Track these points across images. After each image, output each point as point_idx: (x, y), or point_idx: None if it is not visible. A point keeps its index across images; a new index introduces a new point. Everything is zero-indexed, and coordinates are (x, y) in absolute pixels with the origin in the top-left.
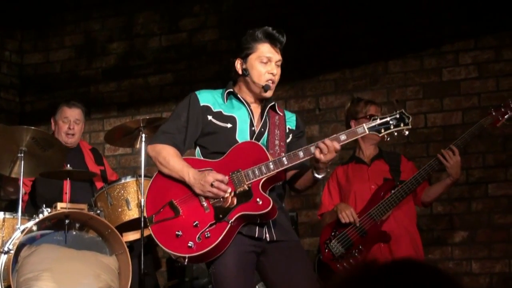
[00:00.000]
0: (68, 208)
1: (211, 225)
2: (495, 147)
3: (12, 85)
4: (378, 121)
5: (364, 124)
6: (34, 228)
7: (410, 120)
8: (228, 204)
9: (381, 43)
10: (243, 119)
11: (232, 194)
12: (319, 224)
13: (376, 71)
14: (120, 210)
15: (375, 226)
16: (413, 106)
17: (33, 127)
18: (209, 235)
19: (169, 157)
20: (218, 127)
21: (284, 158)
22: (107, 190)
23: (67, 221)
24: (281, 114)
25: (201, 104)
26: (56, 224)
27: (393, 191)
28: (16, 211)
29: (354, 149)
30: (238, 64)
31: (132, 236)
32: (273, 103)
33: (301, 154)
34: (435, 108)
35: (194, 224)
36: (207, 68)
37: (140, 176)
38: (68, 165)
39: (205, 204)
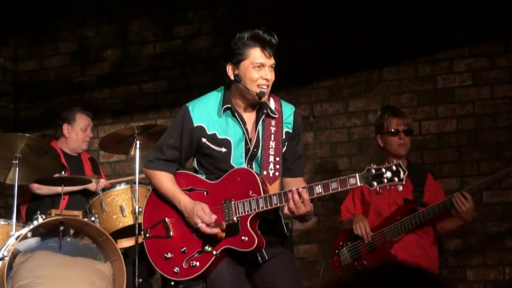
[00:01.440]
0: (63, 215)
1: (197, 252)
2: (489, 154)
3: (6, 92)
4: (373, 172)
5: (357, 175)
6: (29, 234)
7: (405, 175)
8: (216, 235)
9: (375, 50)
10: (238, 140)
11: (223, 226)
12: (313, 231)
13: (371, 79)
14: (114, 217)
15: (384, 246)
16: (408, 113)
17: (27, 134)
18: (194, 263)
19: (162, 183)
20: (212, 150)
21: (274, 197)
22: (102, 197)
23: (61, 228)
24: (278, 115)
25: (195, 125)
26: (50, 230)
27: (410, 216)
28: (10, 217)
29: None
30: (229, 70)
31: (127, 242)
32: (266, 111)
33: (289, 195)
34: (429, 116)
35: (182, 249)
36: (202, 75)
37: (135, 183)
38: (63, 172)
39: (195, 231)
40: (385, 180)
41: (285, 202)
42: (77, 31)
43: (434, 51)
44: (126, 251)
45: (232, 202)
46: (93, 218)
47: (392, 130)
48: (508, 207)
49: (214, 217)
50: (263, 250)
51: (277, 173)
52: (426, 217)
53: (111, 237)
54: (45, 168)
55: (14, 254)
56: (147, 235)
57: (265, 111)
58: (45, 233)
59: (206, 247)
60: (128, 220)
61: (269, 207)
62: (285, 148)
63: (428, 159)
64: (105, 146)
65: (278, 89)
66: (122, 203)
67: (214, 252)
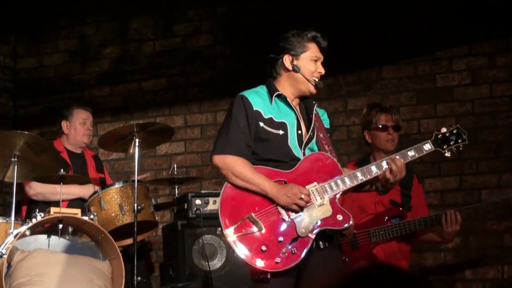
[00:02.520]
0: (62, 213)
1: (294, 240)
2: (488, 153)
3: (5, 89)
4: (440, 137)
5: (429, 141)
6: (27, 232)
7: (466, 135)
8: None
9: (375, 49)
10: (292, 123)
11: (311, 208)
12: None
13: (370, 77)
14: (113, 215)
15: (368, 246)
16: (407, 112)
17: (26, 132)
18: (295, 250)
19: (246, 171)
20: (270, 134)
21: (358, 173)
22: (101, 195)
23: (60, 226)
24: (317, 113)
25: (254, 109)
26: (49, 228)
27: (399, 221)
28: (9, 215)
29: (366, 154)
30: (287, 61)
31: (126, 241)
32: (315, 103)
33: (374, 169)
34: (428, 114)
35: (278, 240)
36: (201, 73)
37: (134, 181)
38: (62, 170)
39: (286, 218)
40: (452, 143)
41: (369, 176)
42: (77, 28)
43: (434, 50)
44: (125, 249)
45: (318, 185)
46: (92, 216)
47: (381, 125)
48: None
49: (307, 190)
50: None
51: (335, 159)
52: (417, 227)
53: (109, 235)
54: (44, 166)
55: (13, 252)
56: (233, 234)
57: (315, 103)
58: (44, 231)
59: (302, 231)
60: (127, 218)
61: (355, 183)
62: None
63: (427, 158)
64: (104, 144)
65: None
66: (121, 201)
67: (312, 236)
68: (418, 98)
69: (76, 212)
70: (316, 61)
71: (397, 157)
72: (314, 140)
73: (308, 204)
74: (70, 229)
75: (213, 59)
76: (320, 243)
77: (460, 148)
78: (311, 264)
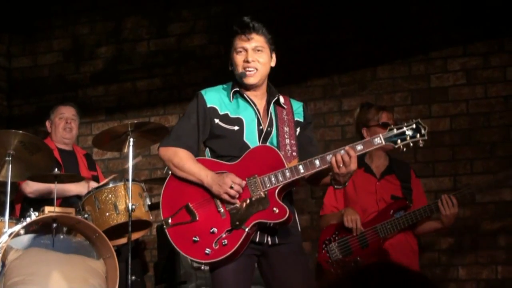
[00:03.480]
0: (56, 212)
1: (227, 232)
2: (483, 153)
3: (0, 89)
4: (395, 132)
5: (380, 135)
6: (22, 231)
7: (426, 131)
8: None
9: (369, 49)
10: (250, 119)
11: (248, 201)
12: (306, 229)
13: (365, 77)
14: (107, 214)
15: (378, 242)
16: (401, 112)
17: (21, 131)
18: (226, 242)
19: (184, 161)
20: (225, 130)
21: (300, 166)
22: (95, 194)
23: (54, 225)
24: (288, 107)
25: (208, 106)
26: (43, 227)
27: (404, 213)
28: (3, 214)
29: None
30: (230, 62)
31: (120, 240)
32: (276, 97)
33: (317, 163)
34: (423, 114)
35: (211, 230)
36: (195, 73)
37: (128, 180)
38: (56, 169)
39: (221, 209)
40: (408, 138)
41: (311, 170)
42: (71, 28)
43: (428, 50)
44: (119, 249)
45: (257, 178)
46: (86, 215)
47: (382, 123)
48: (501, 206)
49: (243, 183)
50: (275, 233)
51: (294, 153)
52: (423, 215)
53: (104, 235)
54: (38, 165)
55: (7, 251)
56: (169, 223)
57: (276, 97)
58: (38, 230)
59: (237, 224)
60: (122, 218)
61: (295, 176)
62: (298, 133)
63: (422, 158)
64: (99, 143)
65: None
66: (115, 201)
67: (245, 228)
68: (413, 98)
69: (70, 211)
70: (241, 52)
71: (352, 148)
72: (273, 134)
73: (236, 196)
74: (65, 228)
75: (208, 59)
76: (269, 239)
77: (420, 144)
78: (271, 264)
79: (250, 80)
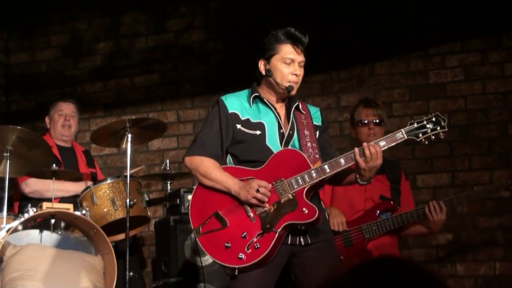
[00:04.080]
0: (54, 208)
1: (259, 235)
2: (481, 150)
3: None
4: (416, 125)
5: (402, 130)
6: (20, 227)
7: (445, 123)
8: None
9: (367, 45)
10: (271, 123)
11: (277, 204)
12: None
13: (363, 73)
14: (105, 210)
15: (362, 242)
16: (399, 108)
17: (19, 127)
18: (258, 245)
19: (211, 170)
20: (247, 135)
21: (326, 166)
22: (93, 190)
23: (52, 221)
24: (306, 112)
25: (230, 112)
26: (41, 223)
27: (391, 215)
28: (1, 210)
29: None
30: (261, 65)
31: (118, 236)
32: (297, 103)
33: (342, 161)
34: (421, 111)
35: (242, 235)
36: (194, 68)
37: (126, 176)
38: (54, 165)
39: (251, 214)
40: (429, 131)
41: (337, 169)
42: (69, 24)
43: (426, 46)
44: (117, 245)
45: (284, 180)
46: (84, 211)
47: (361, 120)
48: (499, 202)
49: (270, 186)
50: (307, 233)
51: (317, 156)
52: (410, 219)
53: (102, 231)
54: (36, 161)
55: (5, 247)
56: (200, 231)
57: (296, 103)
58: (36, 226)
59: (267, 227)
60: (120, 214)
61: (322, 176)
62: (317, 136)
63: (420, 154)
64: (97, 139)
65: None
66: (113, 197)
67: (276, 230)
68: (411, 94)
69: (68, 207)
70: (289, 63)
71: (377, 144)
72: (294, 137)
73: (266, 199)
74: (63, 224)
75: (206, 55)
76: (301, 240)
77: (441, 136)
78: (302, 264)
79: (293, 91)
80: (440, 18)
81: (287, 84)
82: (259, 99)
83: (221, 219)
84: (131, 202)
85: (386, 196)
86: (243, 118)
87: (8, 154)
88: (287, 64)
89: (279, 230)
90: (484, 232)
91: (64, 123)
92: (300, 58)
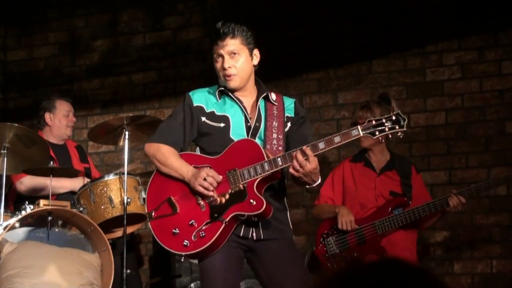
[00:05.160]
0: (51, 205)
1: (206, 224)
2: (478, 147)
3: None
4: (373, 123)
5: (359, 126)
6: (17, 224)
7: (405, 122)
8: (221, 203)
9: (365, 42)
10: (237, 116)
11: (227, 193)
12: (302, 223)
13: (360, 71)
14: (103, 207)
15: (375, 238)
16: (397, 106)
17: (16, 124)
18: (204, 234)
19: (166, 156)
20: (211, 128)
21: (278, 159)
22: (90, 187)
23: (49, 218)
24: (278, 103)
25: (195, 105)
26: (38, 221)
27: (403, 210)
28: None
29: (362, 149)
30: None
31: (115, 233)
32: (265, 93)
33: (293, 153)
34: (418, 108)
35: (190, 222)
36: (191, 66)
37: (123, 173)
38: (52, 162)
39: (201, 202)
40: (387, 129)
41: (290, 162)
42: (67, 21)
43: (424, 44)
44: (114, 242)
45: (237, 170)
46: (81, 209)
47: (354, 123)
48: (496, 200)
49: (220, 176)
50: (260, 227)
51: (280, 148)
52: (422, 214)
53: (99, 228)
54: (33, 158)
55: (2, 244)
56: (153, 216)
57: (265, 93)
58: (33, 223)
59: (215, 216)
60: (117, 211)
61: (274, 169)
62: (287, 128)
63: (417, 152)
64: (94, 136)
65: (268, 81)
66: (110, 194)
67: (223, 220)
68: (408, 92)
69: (66, 204)
70: (218, 58)
71: (308, 147)
72: (261, 129)
73: (211, 189)
74: (60, 222)
75: (203, 52)
76: (254, 234)
77: (400, 136)
78: (258, 260)
79: (231, 84)
80: (437, 16)
81: (224, 81)
82: (225, 93)
83: (172, 205)
84: (129, 200)
85: (397, 192)
86: (207, 111)
87: (5, 151)
88: (217, 60)
89: (226, 220)
90: (481, 229)
91: (69, 124)
92: (226, 49)
